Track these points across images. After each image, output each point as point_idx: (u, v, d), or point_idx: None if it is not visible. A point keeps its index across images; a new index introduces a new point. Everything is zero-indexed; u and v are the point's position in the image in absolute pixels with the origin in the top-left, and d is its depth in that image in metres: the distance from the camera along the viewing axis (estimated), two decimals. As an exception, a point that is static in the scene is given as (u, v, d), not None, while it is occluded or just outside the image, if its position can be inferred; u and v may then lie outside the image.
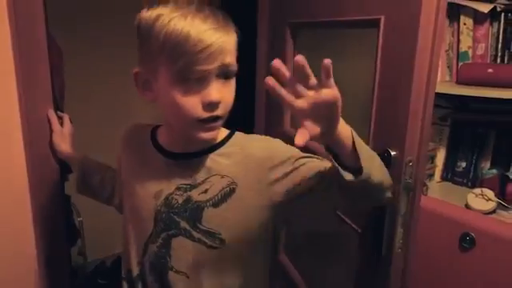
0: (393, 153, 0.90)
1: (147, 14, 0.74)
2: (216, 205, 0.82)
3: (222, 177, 0.82)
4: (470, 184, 1.39)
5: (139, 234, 0.90)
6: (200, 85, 0.73)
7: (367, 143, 0.97)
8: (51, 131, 1.13)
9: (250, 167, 0.82)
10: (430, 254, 1.22)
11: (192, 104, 0.74)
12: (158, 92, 0.78)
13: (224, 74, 0.75)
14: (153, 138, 0.92)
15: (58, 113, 1.16)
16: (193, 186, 0.84)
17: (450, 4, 1.30)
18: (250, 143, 0.86)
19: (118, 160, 0.99)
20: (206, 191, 0.83)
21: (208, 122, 0.75)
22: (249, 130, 0.94)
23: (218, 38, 0.72)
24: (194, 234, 0.83)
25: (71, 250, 1.70)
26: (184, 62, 0.72)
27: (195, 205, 0.83)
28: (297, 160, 0.79)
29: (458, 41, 1.36)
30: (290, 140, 0.77)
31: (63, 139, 1.14)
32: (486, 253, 1.11)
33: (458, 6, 1.30)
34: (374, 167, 0.69)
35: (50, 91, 1.12)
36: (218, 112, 0.74)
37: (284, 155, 0.81)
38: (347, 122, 0.86)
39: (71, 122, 1.18)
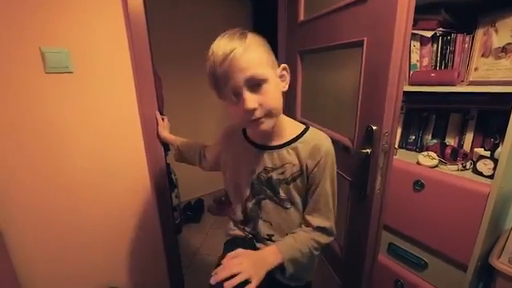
0: (374, 127, 1.03)
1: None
2: (288, 183, 0.97)
3: (294, 165, 0.95)
4: (417, 150, 1.65)
5: (240, 196, 1.06)
6: (238, 98, 0.80)
7: (355, 123, 1.10)
8: (157, 124, 1.50)
9: (313, 157, 0.93)
10: (395, 194, 1.44)
11: (240, 113, 0.81)
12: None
13: (252, 84, 0.78)
14: (244, 135, 1.05)
15: (161, 115, 1.50)
16: (274, 169, 0.97)
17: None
18: (318, 140, 0.94)
19: (217, 147, 1.14)
20: (282, 173, 0.97)
21: (257, 121, 0.83)
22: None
23: (227, 67, 0.75)
24: (275, 199, 1.00)
25: (172, 195, 2.38)
26: (218, 89, 0.81)
27: (275, 181, 0.97)
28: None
29: (410, 57, 1.58)
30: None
31: (164, 129, 1.49)
32: (431, 193, 1.37)
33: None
34: (295, 263, 0.90)
35: (155, 100, 1.49)
36: (258, 114, 0.81)
37: (325, 161, 0.92)
38: (342, 111, 1.08)
39: (168, 120, 1.54)
